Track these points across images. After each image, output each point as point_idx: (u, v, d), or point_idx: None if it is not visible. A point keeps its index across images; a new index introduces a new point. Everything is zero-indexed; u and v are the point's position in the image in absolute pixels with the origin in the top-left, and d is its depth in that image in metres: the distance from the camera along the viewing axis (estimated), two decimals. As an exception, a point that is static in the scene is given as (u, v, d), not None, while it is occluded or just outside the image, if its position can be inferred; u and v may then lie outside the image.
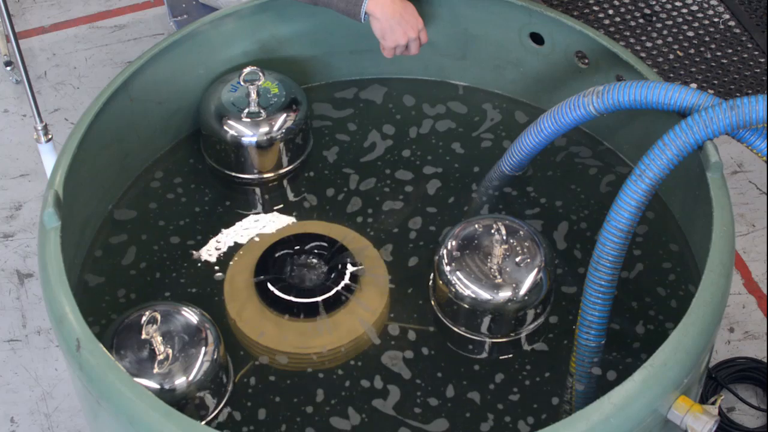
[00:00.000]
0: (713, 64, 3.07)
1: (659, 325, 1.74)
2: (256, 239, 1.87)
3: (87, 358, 1.42)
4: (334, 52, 2.12)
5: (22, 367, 2.36)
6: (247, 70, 1.93)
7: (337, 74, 2.18)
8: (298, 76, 2.07)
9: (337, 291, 1.74)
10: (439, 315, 1.75)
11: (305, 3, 1.91)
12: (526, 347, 1.72)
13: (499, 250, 1.69)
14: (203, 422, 1.59)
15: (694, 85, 2.96)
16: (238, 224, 1.92)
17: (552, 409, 1.64)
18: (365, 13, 1.87)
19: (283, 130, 1.94)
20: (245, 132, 1.92)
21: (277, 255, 1.79)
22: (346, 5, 1.87)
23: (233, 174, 1.98)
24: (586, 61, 1.98)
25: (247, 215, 1.94)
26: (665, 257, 1.84)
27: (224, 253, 1.86)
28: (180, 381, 1.55)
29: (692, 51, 3.11)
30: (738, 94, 2.94)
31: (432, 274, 1.77)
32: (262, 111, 1.92)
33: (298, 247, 1.80)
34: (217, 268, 1.83)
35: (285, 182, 2.00)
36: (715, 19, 3.22)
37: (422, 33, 1.93)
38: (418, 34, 1.92)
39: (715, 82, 3.01)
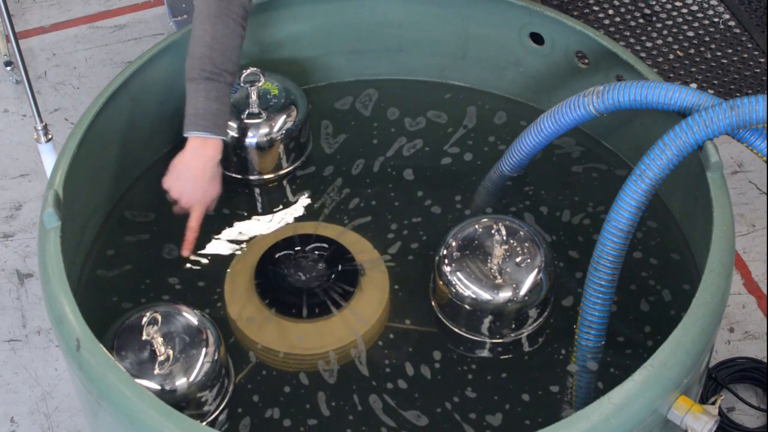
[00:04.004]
0: (713, 64, 3.07)
1: (659, 325, 1.74)
2: (257, 240, 1.87)
3: (87, 358, 1.42)
4: (333, 52, 2.12)
5: (22, 367, 2.36)
6: (247, 71, 1.93)
7: (336, 75, 2.18)
8: (298, 77, 2.07)
9: (337, 292, 1.74)
10: (440, 315, 1.75)
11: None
12: (527, 347, 1.72)
13: (499, 251, 1.69)
14: (204, 423, 1.59)
15: (694, 85, 2.96)
16: (238, 225, 1.92)
17: (552, 409, 1.64)
18: (186, 133, 1.74)
19: (283, 131, 1.94)
20: (245, 133, 1.92)
21: (277, 256, 1.79)
22: (185, 118, 1.73)
23: (233, 175, 1.98)
24: (586, 61, 1.98)
25: (247, 216, 1.94)
26: (665, 257, 1.84)
27: (224, 253, 1.86)
28: (181, 382, 1.55)
29: (692, 51, 3.11)
30: (738, 94, 2.94)
31: (432, 275, 1.77)
32: (262, 112, 1.93)
33: (298, 248, 1.80)
34: (217, 268, 1.83)
35: (285, 183, 2.00)
36: (715, 19, 3.22)
37: (209, 205, 1.80)
38: (201, 206, 1.78)
39: (715, 82, 3.00)
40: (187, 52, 1.74)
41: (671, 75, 3.02)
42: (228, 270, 1.81)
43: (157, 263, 1.85)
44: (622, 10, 3.26)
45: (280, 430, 1.61)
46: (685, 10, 3.25)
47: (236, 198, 1.98)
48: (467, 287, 1.67)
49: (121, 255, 1.86)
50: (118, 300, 1.78)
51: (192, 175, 1.76)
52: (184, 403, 1.56)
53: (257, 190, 2.00)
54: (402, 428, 1.61)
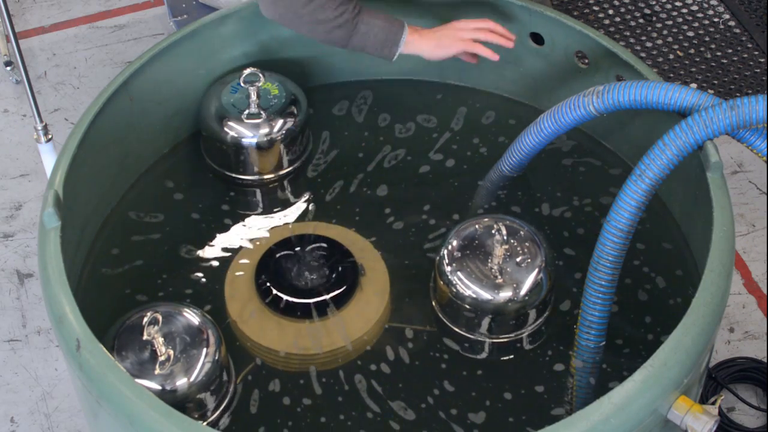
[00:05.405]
0: (713, 64, 3.07)
1: (659, 325, 1.74)
2: (257, 240, 1.87)
3: (87, 358, 1.42)
4: (334, 52, 2.11)
5: (22, 367, 2.36)
6: (247, 71, 1.93)
7: (337, 75, 2.18)
8: (298, 78, 2.07)
9: (337, 292, 1.74)
10: (440, 315, 1.75)
11: (338, 47, 1.89)
12: (527, 347, 1.72)
13: (499, 251, 1.69)
14: (204, 423, 1.59)
15: (694, 85, 2.96)
16: (238, 225, 1.92)
17: (552, 409, 1.64)
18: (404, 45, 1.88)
19: (283, 132, 1.94)
20: (245, 133, 1.92)
21: (277, 256, 1.79)
22: (382, 49, 1.87)
23: (233, 175, 1.98)
24: (586, 61, 1.98)
25: (247, 216, 1.94)
26: (665, 257, 1.84)
27: (225, 254, 1.86)
28: (181, 382, 1.55)
29: (692, 51, 3.11)
30: (738, 94, 2.95)
31: (433, 275, 1.77)
32: (262, 112, 1.93)
33: (298, 248, 1.80)
34: (217, 268, 1.83)
35: (285, 183, 2.00)
36: (715, 19, 3.22)
37: (484, 25, 1.89)
38: (474, 29, 1.89)
39: (715, 82, 3.01)
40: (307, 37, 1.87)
41: (671, 75, 3.02)
42: (228, 270, 1.81)
43: (157, 264, 1.85)
44: (622, 10, 3.26)
45: (281, 430, 1.62)
46: (685, 10, 3.25)
47: (236, 198, 1.98)
48: (468, 287, 1.67)
49: (128, 253, 1.85)
50: (119, 300, 1.77)
51: (440, 35, 1.89)
52: (184, 403, 1.56)
53: (257, 191, 2.00)
54: (402, 427, 1.61)
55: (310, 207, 1.95)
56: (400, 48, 1.87)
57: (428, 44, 1.89)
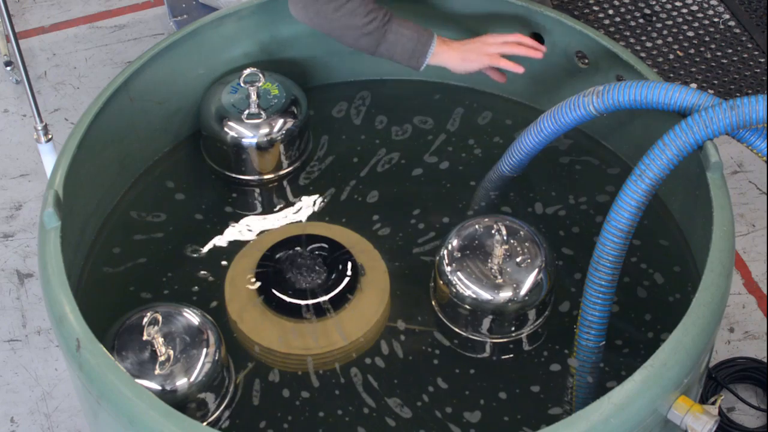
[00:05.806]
0: (713, 64, 3.07)
1: (659, 325, 1.74)
2: (257, 240, 1.87)
3: (87, 358, 1.42)
4: (333, 52, 2.12)
5: (22, 367, 2.36)
6: (247, 71, 1.93)
7: (336, 75, 2.18)
8: (298, 78, 2.07)
9: (337, 292, 1.74)
10: (440, 315, 1.75)
11: (367, 54, 1.89)
12: (527, 347, 1.72)
13: (499, 251, 1.69)
14: (204, 423, 1.59)
15: (694, 85, 2.96)
16: (238, 225, 1.92)
17: (551, 409, 1.64)
18: (430, 56, 1.87)
19: (283, 132, 1.94)
20: (245, 133, 1.92)
21: (277, 256, 1.79)
22: (409, 59, 1.86)
23: (233, 175, 1.98)
24: (586, 61, 1.98)
25: (247, 216, 1.94)
26: (665, 257, 1.84)
27: (225, 254, 1.86)
28: (181, 382, 1.55)
29: (692, 51, 3.11)
30: (738, 94, 2.95)
31: (433, 275, 1.77)
32: (262, 112, 1.93)
33: (298, 249, 1.80)
34: (217, 269, 1.83)
35: (285, 183, 2.00)
36: (715, 19, 3.22)
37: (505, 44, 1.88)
38: (497, 46, 1.88)
39: (715, 82, 3.01)
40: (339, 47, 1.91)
41: (671, 75, 3.02)
42: (228, 270, 1.81)
43: (157, 264, 1.85)
44: (622, 10, 3.26)
45: (280, 430, 1.62)
46: (685, 10, 3.25)
47: (236, 198, 1.98)
48: (467, 287, 1.67)
49: (128, 253, 1.85)
50: (119, 300, 1.78)
51: (467, 48, 1.88)
52: (184, 403, 1.56)
53: (257, 191, 2.00)
54: (398, 424, 1.61)
55: (310, 207, 1.95)
56: (427, 59, 1.87)
57: (454, 57, 1.88)
